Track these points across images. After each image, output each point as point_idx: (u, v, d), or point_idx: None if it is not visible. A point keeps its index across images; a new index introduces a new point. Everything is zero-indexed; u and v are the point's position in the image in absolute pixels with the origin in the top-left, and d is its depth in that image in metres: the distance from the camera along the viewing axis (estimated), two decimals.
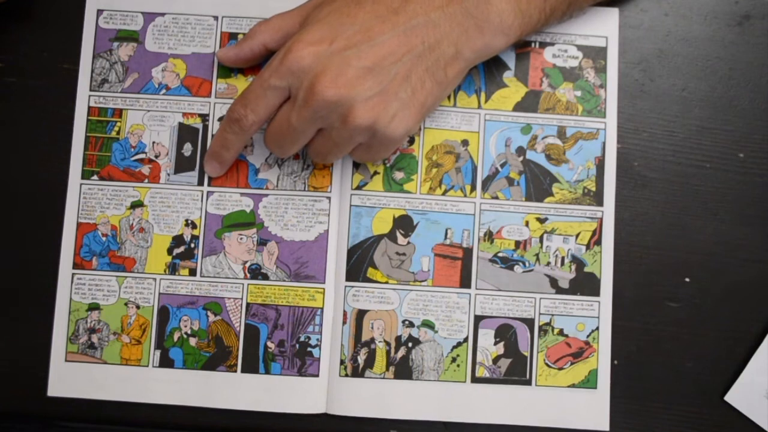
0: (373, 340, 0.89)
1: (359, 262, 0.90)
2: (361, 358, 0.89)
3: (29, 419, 0.89)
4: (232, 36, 0.92)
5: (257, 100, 0.81)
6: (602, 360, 0.89)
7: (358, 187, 0.91)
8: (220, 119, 0.90)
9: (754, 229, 0.90)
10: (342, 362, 0.88)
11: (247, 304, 0.89)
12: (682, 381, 0.89)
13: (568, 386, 0.89)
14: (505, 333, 0.90)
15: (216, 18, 0.93)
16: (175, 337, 0.89)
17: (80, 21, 0.93)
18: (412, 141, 0.91)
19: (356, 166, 0.91)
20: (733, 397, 0.88)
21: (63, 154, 0.91)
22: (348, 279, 0.89)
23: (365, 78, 0.78)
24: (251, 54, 0.88)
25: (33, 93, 0.91)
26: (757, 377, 0.88)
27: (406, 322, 0.89)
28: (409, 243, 0.90)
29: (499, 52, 0.84)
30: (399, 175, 0.91)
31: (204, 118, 0.91)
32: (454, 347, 0.89)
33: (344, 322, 0.89)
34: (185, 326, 0.89)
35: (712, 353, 0.89)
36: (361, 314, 0.89)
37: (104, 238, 0.90)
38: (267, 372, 0.88)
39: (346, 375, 0.88)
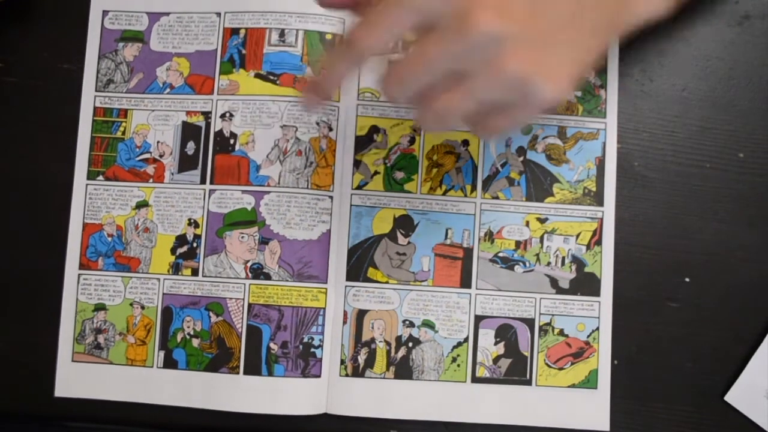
0: (373, 340, 0.83)
1: (360, 262, 0.83)
2: (362, 358, 0.83)
3: (36, 420, 0.83)
4: (234, 31, 0.85)
5: (384, 22, 0.60)
6: (602, 360, 0.83)
7: (359, 187, 0.84)
8: (222, 116, 0.84)
9: (753, 229, 0.84)
10: (342, 362, 0.82)
11: (249, 305, 0.82)
12: (682, 381, 0.83)
13: (568, 386, 0.83)
14: (505, 333, 0.83)
15: (219, 14, 0.86)
16: (179, 337, 0.83)
17: (81, 21, 0.87)
18: (412, 141, 0.85)
19: (356, 165, 0.84)
20: (733, 397, 0.83)
21: (67, 155, 0.85)
22: (348, 279, 0.83)
23: (531, 16, 0.58)
24: None
25: (34, 93, 0.85)
26: (757, 377, 0.82)
27: (407, 322, 0.83)
28: (409, 243, 0.84)
29: (654, 20, 0.68)
30: (399, 175, 0.85)
31: (206, 115, 0.85)
32: (455, 347, 0.83)
33: (344, 322, 0.83)
34: (188, 327, 0.82)
35: (712, 353, 0.84)
36: (361, 314, 0.83)
37: (110, 239, 0.84)
38: (270, 374, 0.81)
39: (347, 375, 0.82)
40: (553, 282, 0.84)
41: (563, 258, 0.84)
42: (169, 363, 0.82)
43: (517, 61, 0.57)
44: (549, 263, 0.83)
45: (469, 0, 0.56)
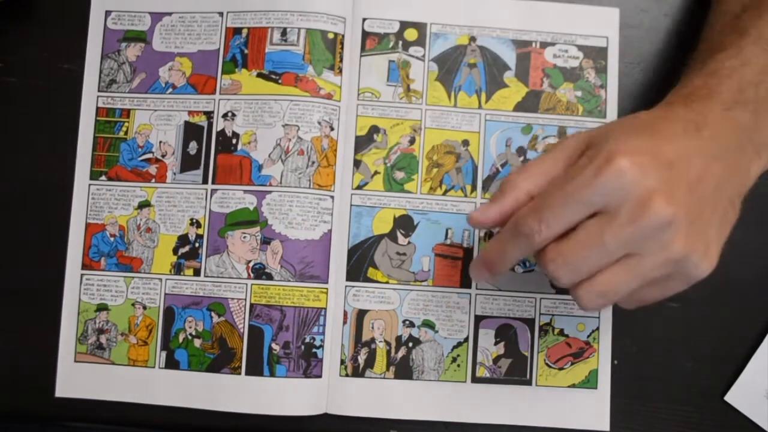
0: (373, 340, 0.82)
1: (360, 262, 0.83)
2: (362, 358, 0.82)
3: (37, 420, 0.83)
4: (237, 31, 0.85)
5: (557, 216, 0.63)
6: (602, 360, 0.83)
7: (359, 187, 0.84)
8: (224, 116, 0.83)
9: (754, 229, 0.83)
10: (342, 362, 0.82)
11: (251, 305, 0.81)
12: (682, 381, 0.83)
13: (569, 386, 0.82)
14: (505, 333, 0.83)
15: (221, 14, 0.85)
16: (180, 338, 0.82)
17: (81, 21, 0.86)
18: (412, 141, 0.84)
19: (356, 165, 0.84)
20: (733, 397, 0.82)
21: (68, 155, 0.84)
22: (348, 279, 0.83)
23: (690, 199, 0.62)
24: (516, 207, 0.68)
25: (34, 93, 0.85)
26: (757, 377, 0.82)
27: (407, 322, 0.82)
28: (409, 243, 0.83)
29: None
30: (399, 175, 0.84)
31: (209, 115, 0.84)
32: (455, 347, 0.82)
33: (344, 322, 0.82)
34: (190, 327, 0.82)
35: (712, 353, 0.83)
36: (361, 314, 0.82)
37: (112, 239, 0.84)
38: (272, 374, 0.80)
39: (347, 375, 0.82)
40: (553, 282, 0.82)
41: None
42: (171, 363, 0.81)
43: (683, 241, 0.61)
44: None
45: (641, 189, 0.60)
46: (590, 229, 0.62)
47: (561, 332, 0.82)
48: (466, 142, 0.84)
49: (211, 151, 0.83)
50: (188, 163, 0.83)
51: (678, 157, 0.62)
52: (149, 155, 0.84)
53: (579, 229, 0.63)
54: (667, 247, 0.61)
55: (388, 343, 0.82)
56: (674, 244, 0.61)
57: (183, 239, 0.83)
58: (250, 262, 0.81)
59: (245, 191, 0.82)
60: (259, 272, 0.81)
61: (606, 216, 0.61)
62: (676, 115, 0.66)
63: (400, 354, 0.82)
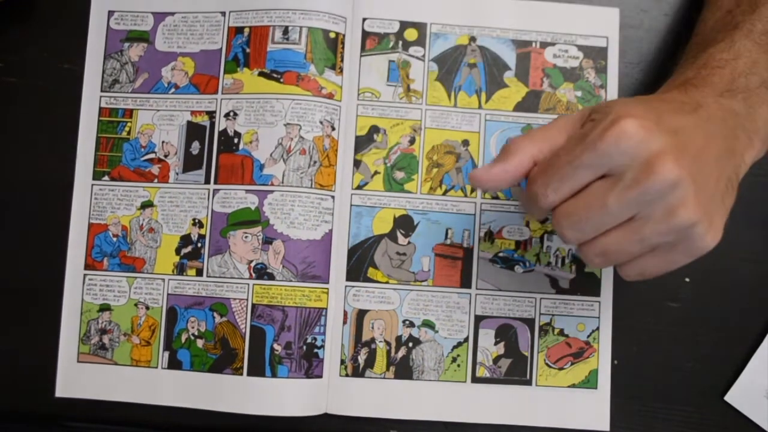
0: (373, 340, 0.82)
1: (360, 262, 0.83)
2: (362, 358, 0.82)
3: (37, 420, 0.83)
4: (239, 30, 0.84)
5: (563, 180, 0.63)
6: (602, 360, 0.82)
7: (359, 187, 0.83)
8: (226, 116, 0.83)
9: (754, 229, 0.83)
10: (342, 362, 0.81)
11: (253, 305, 0.81)
12: (682, 381, 0.82)
13: (569, 386, 0.82)
14: (505, 333, 0.82)
15: (223, 14, 0.85)
16: (183, 338, 0.82)
17: (81, 21, 0.86)
18: (412, 141, 0.84)
19: (356, 165, 0.83)
20: (733, 397, 0.82)
21: (68, 155, 0.84)
22: (348, 279, 0.82)
23: (699, 168, 0.61)
24: (519, 169, 0.67)
25: (34, 93, 0.85)
26: (757, 377, 0.82)
27: (407, 322, 0.82)
28: (409, 243, 0.83)
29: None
30: (399, 175, 0.84)
31: (211, 115, 0.84)
32: (455, 347, 0.82)
33: (344, 322, 0.82)
34: (192, 327, 0.82)
35: (712, 353, 0.83)
36: (361, 314, 0.82)
37: (115, 239, 0.83)
38: (273, 375, 0.80)
39: (347, 375, 0.81)
40: (553, 282, 0.82)
41: (563, 258, 0.82)
42: (174, 364, 0.81)
43: (688, 207, 0.60)
44: (549, 263, 0.82)
45: (647, 152, 0.60)
46: (595, 191, 0.62)
47: (561, 332, 0.82)
48: (466, 142, 0.83)
49: (213, 151, 0.83)
50: (191, 163, 0.83)
51: (680, 127, 0.62)
52: (152, 155, 0.84)
53: (585, 190, 0.63)
54: (674, 212, 0.60)
55: (388, 343, 0.81)
56: (681, 210, 0.60)
57: (185, 239, 0.82)
58: (251, 262, 0.81)
59: (247, 191, 0.82)
60: (261, 272, 0.81)
61: (612, 178, 0.61)
62: (673, 98, 0.67)
63: (400, 354, 0.81)
